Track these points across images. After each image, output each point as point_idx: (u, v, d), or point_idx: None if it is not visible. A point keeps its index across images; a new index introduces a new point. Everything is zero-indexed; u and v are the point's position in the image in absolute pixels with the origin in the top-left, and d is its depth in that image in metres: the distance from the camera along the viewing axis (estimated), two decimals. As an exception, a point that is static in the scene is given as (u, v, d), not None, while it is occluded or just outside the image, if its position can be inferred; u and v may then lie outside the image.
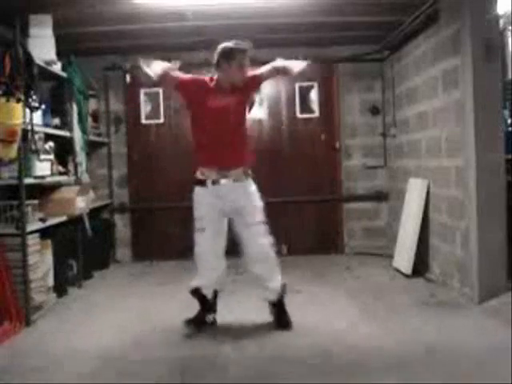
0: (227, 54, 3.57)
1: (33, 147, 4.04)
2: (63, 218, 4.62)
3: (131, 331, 3.76)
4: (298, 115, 6.42)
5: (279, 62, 3.64)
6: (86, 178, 5.36)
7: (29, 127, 3.95)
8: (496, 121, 4.08)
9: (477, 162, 4.03)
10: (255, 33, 5.57)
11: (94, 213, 5.69)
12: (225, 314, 3.91)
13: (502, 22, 4.35)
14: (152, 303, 4.50)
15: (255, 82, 3.69)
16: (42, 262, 4.18)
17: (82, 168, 5.29)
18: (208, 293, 3.73)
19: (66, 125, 5.01)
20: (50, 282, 4.41)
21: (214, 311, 3.79)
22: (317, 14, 4.95)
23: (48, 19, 4.48)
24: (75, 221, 4.98)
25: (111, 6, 4.47)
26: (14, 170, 3.91)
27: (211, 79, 3.70)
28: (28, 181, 4.01)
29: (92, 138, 5.73)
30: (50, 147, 4.51)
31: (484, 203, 4.04)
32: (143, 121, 6.43)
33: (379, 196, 6.45)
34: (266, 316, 3.79)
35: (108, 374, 3.02)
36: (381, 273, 5.33)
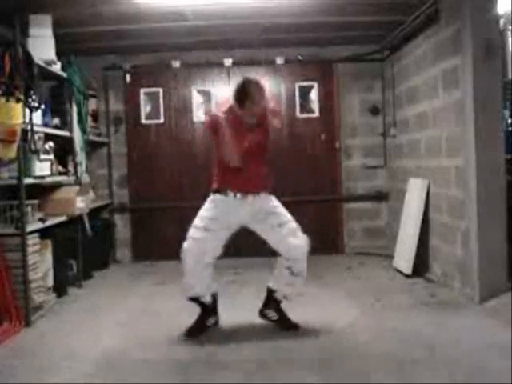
0: (243, 90, 3.53)
1: (32, 147, 4.04)
2: (63, 218, 4.62)
3: (131, 331, 3.76)
4: (298, 115, 6.41)
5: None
6: (85, 178, 5.36)
7: (28, 127, 3.95)
8: (496, 121, 4.08)
9: (477, 162, 4.03)
10: (255, 33, 5.60)
11: (94, 213, 5.69)
12: (224, 315, 3.90)
13: (502, 21, 4.36)
14: (152, 303, 4.50)
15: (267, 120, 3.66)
16: (41, 262, 4.18)
17: (82, 168, 5.29)
18: (206, 299, 3.67)
19: (65, 125, 5.02)
20: (50, 282, 4.41)
21: (215, 313, 3.75)
22: (317, 13, 4.95)
23: (48, 19, 4.48)
24: (75, 221, 4.98)
25: (111, 5, 4.47)
26: (14, 169, 3.90)
27: (230, 110, 3.61)
28: (28, 181, 4.01)
29: (92, 137, 5.73)
30: (50, 147, 4.51)
31: (484, 203, 4.04)
32: (143, 121, 6.43)
33: (379, 196, 6.45)
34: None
35: (108, 374, 3.02)
36: (381, 273, 5.33)
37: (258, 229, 3.63)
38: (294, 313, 3.74)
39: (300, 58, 6.29)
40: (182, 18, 4.86)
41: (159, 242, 6.35)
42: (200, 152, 6.34)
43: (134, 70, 6.32)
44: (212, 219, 3.53)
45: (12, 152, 3.70)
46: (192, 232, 3.57)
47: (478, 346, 3.21)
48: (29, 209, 4.05)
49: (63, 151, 5.03)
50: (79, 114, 5.26)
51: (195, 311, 3.72)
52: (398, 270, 5.25)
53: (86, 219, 5.13)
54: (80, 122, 5.28)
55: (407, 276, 5.03)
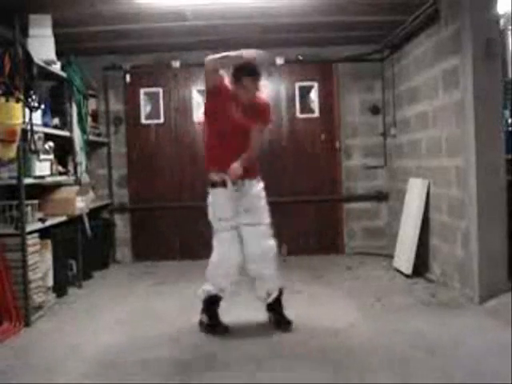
0: (235, 74, 3.53)
1: (32, 147, 4.04)
2: (63, 218, 4.62)
3: (131, 331, 3.75)
4: (298, 115, 6.41)
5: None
6: (85, 178, 5.36)
7: (28, 127, 3.95)
8: (496, 121, 4.08)
9: (477, 162, 4.03)
10: (255, 33, 5.59)
11: (94, 213, 5.69)
12: (225, 314, 3.90)
13: (502, 21, 4.35)
14: (152, 303, 4.50)
15: (266, 119, 3.69)
16: (41, 262, 4.18)
17: (82, 168, 5.29)
18: (224, 295, 3.71)
19: (65, 125, 5.02)
20: (50, 282, 4.41)
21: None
22: (317, 13, 4.95)
23: (48, 19, 4.48)
24: (75, 221, 4.98)
25: (111, 5, 4.46)
26: (14, 169, 3.90)
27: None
28: (27, 181, 4.01)
29: (92, 137, 5.73)
30: (50, 147, 4.51)
31: (484, 203, 4.04)
32: (143, 121, 6.43)
33: (379, 196, 6.45)
34: (265, 316, 3.79)
35: (108, 374, 3.01)
36: (381, 273, 5.32)
37: (239, 220, 3.64)
38: (294, 312, 3.74)
39: (300, 57, 6.29)
40: (181, 18, 4.86)
41: (159, 242, 6.35)
42: (200, 152, 6.31)
43: (134, 70, 6.31)
44: (224, 220, 3.58)
45: (12, 152, 3.70)
46: (221, 236, 3.62)
47: (478, 346, 3.21)
48: (29, 209, 4.05)
49: (63, 151, 5.03)
50: (79, 114, 5.26)
51: (195, 311, 3.72)
52: (398, 270, 5.25)
53: (85, 219, 5.13)
54: (80, 122, 5.28)
55: (407, 276, 5.03)
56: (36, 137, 4.09)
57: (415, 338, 3.40)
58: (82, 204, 4.98)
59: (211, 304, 3.70)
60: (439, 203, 4.80)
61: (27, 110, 3.92)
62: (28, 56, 3.90)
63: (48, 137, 4.49)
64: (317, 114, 6.41)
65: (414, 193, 5.26)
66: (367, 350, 3.26)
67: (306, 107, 6.41)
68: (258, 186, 3.67)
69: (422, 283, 4.82)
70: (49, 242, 4.41)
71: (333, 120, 6.43)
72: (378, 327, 3.67)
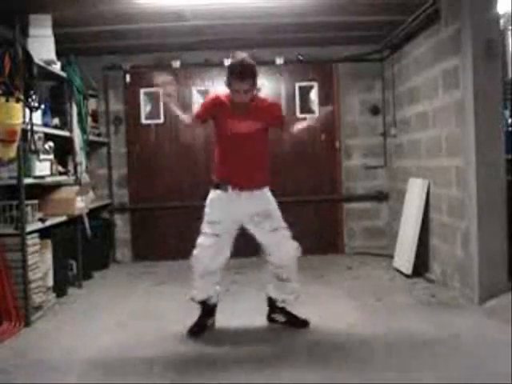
0: (227, 75, 3.47)
1: (32, 147, 4.03)
2: (63, 218, 4.62)
3: (131, 331, 3.75)
4: (298, 115, 6.41)
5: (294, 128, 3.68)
6: (85, 177, 5.36)
7: (28, 127, 3.95)
8: (496, 121, 4.08)
9: (477, 162, 4.02)
10: (255, 33, 5.60)
11: (94, 213, 5.69)
12: (225, 315, 3.90)
13: (502, 21, 4.35)
14: (152, 303, 4.50)
15: (275, 117, 3.61)
16: (41, 262, 4.18)
17: (82, 168, 5.28)
18: (211, 302, 3.70)
19: (65, 125, 5.02)
20: (50, 282, 4.41)
21: (214, 314, 3.76)
22: (317, 13, 4.95)
23: (48, 19, 4.48)
24: (75, 221, 4.98)
25: (111, 5, 4.46)
26: (14, 170, 3.90)
27: (227, 96, 3.60)
28: (27, 181, 4.01)
29: (92, 137, 5.73)
30: (50, 147, 4.51)
31: (484, 203, 4.04)
32: (143, 121, 6.43)
33: (379, 196, 6.45)
34: (264, 316, 3.79)
35: (107, 374, 3.01)
36: (381, 273, 5.32)
37: (252, 230, 3.62)
38: (294, 312, 3.73)
39: (300, 57, 6.29)
40: (181, 18, 4.86)
41: (159, 242, 6.35)
42: (200, 152, 6.34)
43: (134, 70, 6.32)
44: (215, 223, 3.53)
45: (12, 152, 3.69)
46: (201, 239, 3.58)
47: (478, 346, 3.21)
48: (29, 209, 4.05)
49: (63, 151, 5.03)
50: (79, 114, 5.26)
51: (194, 311, 3.72)
52: (398, 270, 5.25)
53: (85, 219, 5.14)
54: (80, 122, 5.27)
55: (407, 276, 5.03)
56: (36, 137, 4.09)
57: (415, 338, 3.40)
58: (81, 204, 4.98)
59: (204, 310, 3.70)
60: (439, 203, 4.80)
61: (27, 110, 3.91)
62: (28, 56, 3.90)
63: (48, 137, 4.49)
64: (317, 114, 6.41)
65: (414, 193, 5.26)
66: (367, 349, 3.26)
67: (306, 107, 6.40)
68: (266, 192, 3.61)
69: (421, 283, 4.82)
70: (49, 242, 4.40)
71: (333, 120, 6.43)
72: (378, 327, 3.67)
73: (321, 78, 6.43)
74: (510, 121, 4.55)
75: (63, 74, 4.90)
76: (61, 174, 4.83)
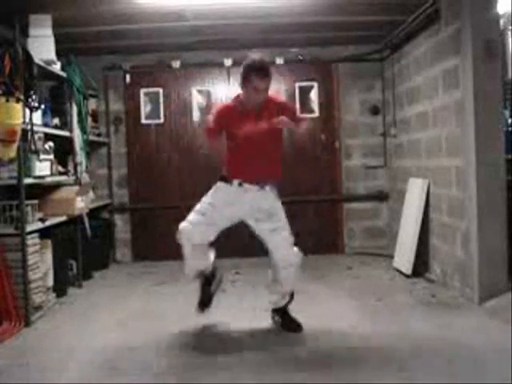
0: (243, 75, 3.46)
1: (32, 147, 4.04)
2: (63, 218, 4.62)
3: (131, 331, 3.75)
4: (299, 115, 6.40)
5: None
6: (85, 178, 5.36)
7: (28, 127, 3.95)
8: (496, 121, 4.08)
9: (477, 162, 4.02)
10: (255, 33, 5.60)
11: (94, 213, 5.69)
12: (225, 315, 3.91)
13: (502, 21, 4.35)
14: (152, 303, 4.50)
15: (289, 117, 3.53)
16: (41, 262, 4.18)
17: (82, 168, 5.29)
18: (207, 271, 3.70)
19: (65, 125, 5.02)
20: (50, 282, 4.40)
21: (215, 278, 3.75)
22: (317, 13, 4.95)
23: (48, 19, 4.48)
24: (75, 221, 4.98)
25: (111, 5, 4.46)
26: (14, 170, 3.90)
27: (236, 98, 3.60)
28: (28, 181, 4.01)
29: (92, 137, 5.73)
30: (50, 147, 4.51)
31: (484, 203, 4.04)
32: (143, 121, 6.42)
33: (379, 196, 6.45)
34: (265, 316, 3.79)
35: (108, 374, 3.01)
36: (381, 273, 5.32)
37: (254, 227, 3.61)
38: (295, 312, 3.74)
39: (300, 57, 6.29)
40: (181, 18, 4.86)
41: (159, 242, 6.34)
42: (200, 152, 6.34)
43: (134, 70, 6.32)
44: (210, 204, 3.54)
45: (12, 152, 3.69)
46: (190, 215, 3.58)
47: (478, 346, 3.20)
48: (29, 209, 4.05)
49: (63, 151, 5.03)
50: (79, 114, 5.26)
51: (194, 311, 3.72)
52: (398, 270, 5.25)
53: (85, 219, 5.14)
54: (80, 122, 5.27)
55: (407, 276, 5.03)
56: (36, 137, 4.09)
57: (415, 338, 3.40)
58: (81, 204, 4.98)
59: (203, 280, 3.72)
60: (439, 203, 4.80)
61: (27, 110, 3.91)
62: (28, 56, 3.90)
63: (48, 137, 4.49)
64: (317, 114, 6.41)
65: (414, 193, 5.26)
66: (367, 349, 3.26)
67: (306, 107, 6.40)
68: (272, 191, 3.59)
69: (421, 283, 4.82)
70: (49, 241, 4.40)
71: (333, 120, 6.43)
72: (379, 327, 3.66)
73: (321, 78, 6.43)
74: (510, 121, 4.55)
75: (63, 74, 4.90)
76: (61, 173, 4.83)
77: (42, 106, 4.31)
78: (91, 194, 5.55)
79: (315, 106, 6.41)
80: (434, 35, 4.76)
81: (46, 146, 4.43)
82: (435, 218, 4.91)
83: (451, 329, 3.56)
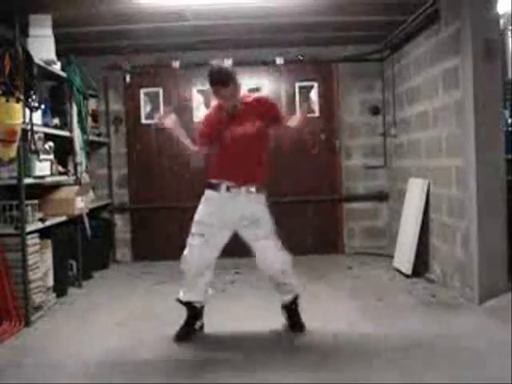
0: (210, 86, 3.51)
1: (32, 147, 4.03)
2: (63, 218, 4.62)
3: (131, 331, 3.75)
4: (282, 114, 6.39)
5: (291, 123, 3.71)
6: (85, 178, 5.36)
7: (28, 127, 3.95)
8: (496, 121, 4.08)
9: (477, 162, 4.02)
10: (255, 33, 5.60)
11: (94, 213, 5.69)
12: (224, 315, 3.91)
13: (502, 21, 4.35)
14: (152, 303, 4.50)
15: (270, 115, 3.59)
16: (41, 262, 4.18)
17: (82, 168, 5.29)
18: (199, 305, 3.66)
19: (65, 125, 5.02)
20: (50, 282, 4.40)
21: (202, 317, 3.70)
22: (317, 13, 4.95)
23: (48, 19, 4.48)
24: (75, 221, 4.98)
25: (111, 5, 4.46)
26: (14, 170, 3.90)
27: (216, 105, 3.65)
28: (28, 181, 4.01)
29: (92, 137, 5.73)
30: (50, 147, 4.51)
31: (484, 203, 4.04)
32: (143, 121, 6.42)
33: (379, 196, 6.45)
34: (265, 317, 3.79)
35: (107, 374, 3.01)
36: (381, 273, 5.32)
37: (241, 233, 3.59)
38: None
39: (300, 57, 6.29)
40: (181, 18, 4.86)
41: (159, 241, 6.35)
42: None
43: (134, 70, 6.32)
44: (202, 224, 3.51)
45: (12, 152, 3.69)
46: (190, 239, 3.57)
47: (478, 346, 3.21)
48: (29, 209, 4.05)
49: (63, 151, 5.03)
50: (79, 114, 5.26)
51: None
52: (398, 270, 5.25)
53: (85, 219, 5.14)
54: (80, 122, 5.27)
55: (407, 276, 5.03)
56: (36, 137, 4.08)
57: (415, 338, 3.40)
58: (81, 204, 4.98)
59: (191, 313, 3.66)
60: (439, 203, 4.80)
61: (27, 110, 3.91)
62: (28, 56, 3.90)
63: (48, 137, 4.49)
64: (317, 113, 6.41)
65: (414, 193, 5.26)
66: (367, 349, 3.26)
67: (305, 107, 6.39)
68: (259, 196, 3.56)
69: (421, 283, 4.82)
70: (49, 241, 4.40)
71: (333, 120, 6.43)
72: (379, 327, 3.66)
73: (321, 78, 6.42)
74: (510, 121, 4.56)
75: (63, 74, 4.90)
76: (61, 173, 4.83)
77: (42, 106, 4.31)
78: (91, 194, 5.55)
79: (315, 106, 6.40)
80: (433, 35, 4.76)
81: (46, 146, 4.43)
82: (435, 218, 4.91)
83: (451, 329, 3.56)
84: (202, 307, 3.69)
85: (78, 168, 5.18)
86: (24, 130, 3.87)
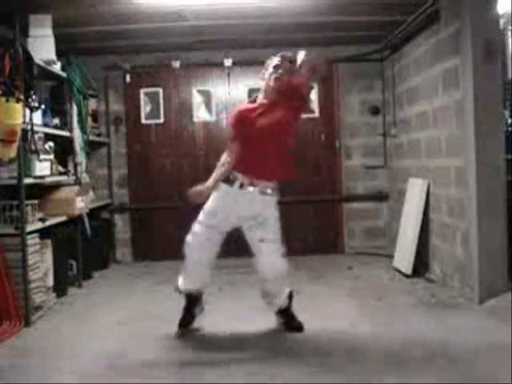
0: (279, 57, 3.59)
1: (32, 147, 4.03)
2: (63, 218, 4.62)
3: (131, 331, 3.76)
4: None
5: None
6: (85, 178, 5.36)
7: (29, 127, 3.95)
8: (496, 121, 4.08)
9: (477, 162, 4.03)
10: (255, 33, 5.60)
11: (94, 213, 5.69)
12: (225, 315, 3.91)
13: (502, 21, 4.35)
14: (152, 303, 4.50)
15: (291, 91, 3.55)
16: (41, 262, 4.18)
17: (82, 168, 5.29)
18: (199, 294, 3.68)
19: (65, 125, 5.02)
20: (50, 282, 4.40)
21: (201, 303, 3.72)
22: (317, 13, 4.95)
23: (48, 19, 4.48)
24: (75, 221, 4.98)
25: (111, 5, 4.46)
26: (14, 170, 3.90)
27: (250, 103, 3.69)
28: (28, 181, 4.01)
29: (92, 137, 5.73)
30: (50, 147, 4.51)
31: (484, 203, 4.04)
32: (143, 121, 6.43)
33: (379, 196, 6.45)
34: (265, 317, 3.79)
35: (107, 374, 3.01)
36: (381, 273, 5.32)
37: (245, 233, 3.60)
38: (295, 312, 3.73)
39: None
40: (181, 18, 4.86)
41: (159, 241, 6.35)
42: (200, 152, 6.34)
43: (134, 70, 6.32)
44: (212, 213, 3.52)
45: (12, 152, 3.69)
46: (195, 227, 3.58)
47: (478, 346, 3.20)
48: (29, 209, 4.05)
49: (63, 151, 5.03)
50: (79, 114, 5.25)
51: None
52: (398, 270, 5.25)
53: (85, 219, 5.14)
54: (80, 122, 5.27)
55: (407, 276, 5.03)
56: (36, 137, 4.08)
57: (415, 338, 3.40)
58: (82, 204, 4.98)
59: (189, 300, 3.67)
60: (439, 203, 4.80)
61: (27, 110, 3.91)
62: (28, 56, 3.90)
63: (48, 137, 4.49)
64: (317, 114, 6.41)
65: (414, 193, 5.26)
66: (367, 349, 3.25)
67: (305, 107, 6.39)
68: (271, 198, 3.55)
69: (421, 283, 4.82)
70: (49, 241, 4.40)
71: (333, 120, 6.43)
72: (379, 327, 3.66)
73: (321, 78, 6.41)
74: (509, 121, 4.56)
75: (63, 74, 4.90)
76: (61, 174, 4.83)
77: (42, 106, 4.31)
78: (91, 194, 5.55)
79: (315, 106, 6.40)
80: (433, 35, 4.76)
81: (46, 146, 4.43)
82: (435, 218, 4.91)
83: (451, 329, 3.56)
84: (201, 293, 3.70)
85: (78, 168, 5.18)
86: (24, 130, 3.87)
